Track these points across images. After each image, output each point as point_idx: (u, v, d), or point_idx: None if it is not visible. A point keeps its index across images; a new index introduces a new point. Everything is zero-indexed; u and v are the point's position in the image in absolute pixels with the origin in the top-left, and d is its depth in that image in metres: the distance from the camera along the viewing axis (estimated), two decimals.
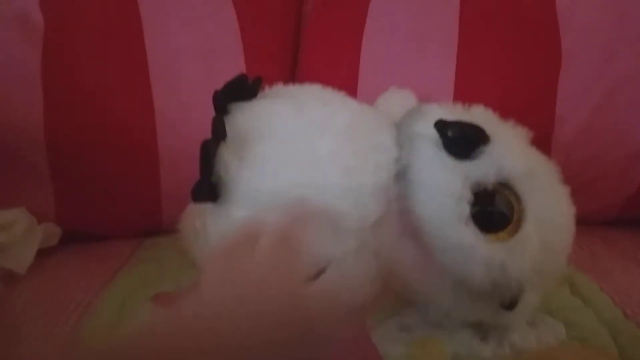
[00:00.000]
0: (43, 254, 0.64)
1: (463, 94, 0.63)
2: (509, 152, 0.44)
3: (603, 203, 0.68)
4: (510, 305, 0.44)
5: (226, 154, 0.44)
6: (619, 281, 0.53)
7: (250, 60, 0.67)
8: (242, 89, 0.49)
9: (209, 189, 0.43)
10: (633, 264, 0.58)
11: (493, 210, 0.44)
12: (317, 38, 0.70)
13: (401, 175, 0.45)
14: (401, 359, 0.43)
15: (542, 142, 0.56)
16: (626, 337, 0.46)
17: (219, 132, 0.45)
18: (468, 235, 0.42)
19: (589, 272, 0.55)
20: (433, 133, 0.45)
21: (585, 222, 0.50)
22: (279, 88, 0.54)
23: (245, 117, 0.48)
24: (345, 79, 0.67)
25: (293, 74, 0.72)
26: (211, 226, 0.45)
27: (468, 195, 0.43)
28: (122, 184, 0.67)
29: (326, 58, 0.69)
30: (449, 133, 0.44)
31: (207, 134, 0.46)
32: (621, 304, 0.50)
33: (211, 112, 0.48)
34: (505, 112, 0.50)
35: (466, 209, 0.43)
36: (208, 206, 0.45)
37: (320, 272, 0.46)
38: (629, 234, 0.67)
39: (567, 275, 0.53)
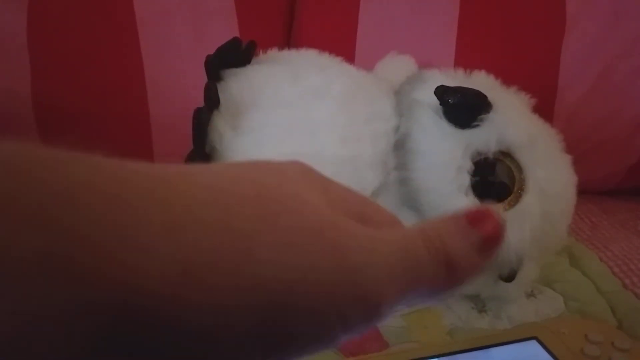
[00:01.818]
0: None
1: (464, 60, 0.62)
2: (511, 120, 0.43)
3: (605, 172, 0.67)
4: (508, 277, 0.43)
5: (220, 123, 0.43)
6: (618, 252, 0.53)
7: (243, 23, 0.65)
8: (236, 54, 0.48)
9: (202, 159, 0.42)
10: (633, 234, 0.58)
11: (493, 180, 0.43)
12: (313, 0, 0.68)
13: (400, 144, 0.44)
14: (398, 331, 0.43)
15: (545, 108, 0.54)
16: (625, 308, 0.45)
17: (212, 100, 0.44)
18: (467, 206, 0.41)
19: (589, 242, 0.55)
20: (433, 100, 0.43)
21: (585, 192, 0.49)
22: (274, 53, 0.52)
23: (239, 83, 0.46)
24: (342, 44, 0.65)
25: (288, 39, 0.70)
26: None
27: (468, 165, 0.42)
28: (113, 154, 0.65)
29: (322, 22, 0.67)
30: (450, 100, 0.43)
31: (200, 101, 0.44)
32: (620, 275, 0.49)
33: (203, 79, 0.46)
34: (507, 78, 0.48)
35: (466, 179, 0.42)
36: None
37: None
38: (629, 205, 0.66)
39: (567, 246, 0.53)
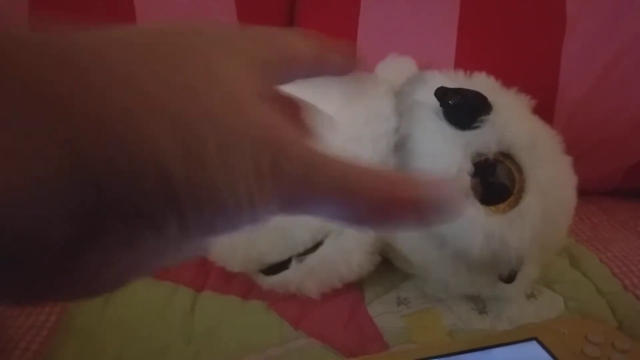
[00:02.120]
0: None
1: (465, 61, 0.62)
2: (512, 121, 0.43)
3: (605, 172, 0.67)
4: (509, 277, 0.43)
5: None
6: (618, 253, 0.53)
7: (242, 21, 0.65)
8: None
9: None
10: (633, 235, 0.57)
11: (494, 181, 0.43)
12: (314, 1, 0.68)
13: (400, 146, 0.44)
14: (398, 332, 0.43)
15: (545, 108, 0.54)
16: (625, 309, 0.45)
17: None
18: (468, 207, 0.41)
19: (589, 243, 0.55)
20: (433, 101, 0.43)
21: (585, 192, 0.49)
22: None
23: None
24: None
25: None
26: None
27: (468, 166, 0.42)
28: None
29: (323, 23, 0.67)
30: (450, 101, 0.42)
31: None
32: (621, 276, 0.49)
33: None
34: (507, 78, 0.48)
35: (466, 180, 0.42)
36: None
37: (317, 244, 0.45)
38: (629, 205, 0.66)
39: (567, 246, 0.53)
